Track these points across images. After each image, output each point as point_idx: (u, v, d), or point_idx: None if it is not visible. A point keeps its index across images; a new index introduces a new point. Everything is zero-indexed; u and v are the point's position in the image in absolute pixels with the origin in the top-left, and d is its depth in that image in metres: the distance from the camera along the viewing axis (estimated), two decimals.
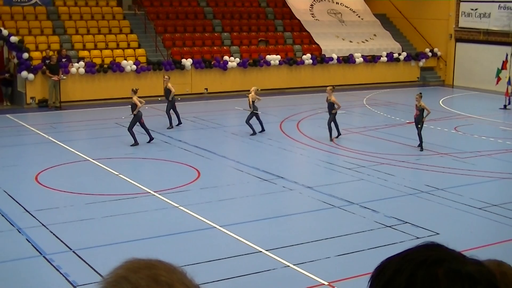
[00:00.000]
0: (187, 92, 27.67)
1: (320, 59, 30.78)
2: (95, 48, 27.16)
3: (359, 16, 34.54)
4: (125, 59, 26.76)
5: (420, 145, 18.11)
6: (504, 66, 28.66)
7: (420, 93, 18.30)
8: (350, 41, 32.50)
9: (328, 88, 19.56)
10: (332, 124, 19.13)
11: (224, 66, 28.52)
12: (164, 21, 29.77)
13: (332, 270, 10.02)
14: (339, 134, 19.42)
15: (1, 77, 25.46)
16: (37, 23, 27.05)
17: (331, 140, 19.07)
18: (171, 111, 21.09)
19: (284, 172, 15.79)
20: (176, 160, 16.85)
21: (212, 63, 28.34)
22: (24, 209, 12.66)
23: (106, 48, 27.28)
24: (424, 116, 18.01)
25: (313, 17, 33.38)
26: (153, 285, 1.35)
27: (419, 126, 17.99)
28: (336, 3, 34.63)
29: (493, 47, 31.06)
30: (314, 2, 34.17)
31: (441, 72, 34.18)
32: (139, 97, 18.67)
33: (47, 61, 24.65)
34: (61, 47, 26.18)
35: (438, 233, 11.57)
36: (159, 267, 1.39)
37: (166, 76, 21.87)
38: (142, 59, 27.19)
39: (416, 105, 18.07)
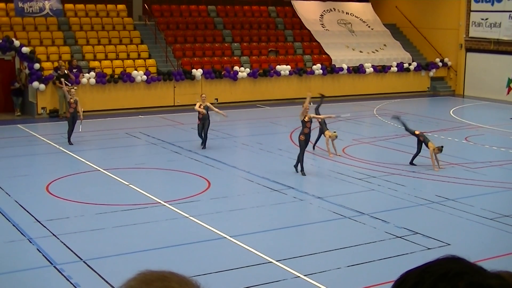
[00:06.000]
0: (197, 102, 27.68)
1: (330, 69, 30.80)
2: (106, 58, 27.31)
3: (369, 26, 34.54)
4: (136, 70, 26.87)
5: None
6: None
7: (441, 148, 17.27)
8: (360, 51, 32.51)
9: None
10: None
11: (234, 76, 28.57)
12: (174, 31, 29.89)
13: (343, 281, 9.98)
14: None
15: (13, 88, 25.62)
16: (48, 34, 27.23)
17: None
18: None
19: (295, 182, 15.78)
20: (186, 170, 16.87)
21: (222, 73, 28.40)
22: (35, 219, 12.70)
23: (116, 59, 27.41)
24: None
25: (323, 27, 33.42)
26: None
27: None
28: (346, 13, 34.67)
29: (504, 56, 30.98)
30: (324, 12, 34.23)
31: (451, 82, 34.08)
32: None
33: (58, 72, 24.79)
34: (72, 58, 26.34)
35: (449, 244, 11.51)
36: (172, 279, 1.38)
37: (203, 95, 20.27)
38: (153, 70, 27.30)
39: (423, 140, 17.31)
